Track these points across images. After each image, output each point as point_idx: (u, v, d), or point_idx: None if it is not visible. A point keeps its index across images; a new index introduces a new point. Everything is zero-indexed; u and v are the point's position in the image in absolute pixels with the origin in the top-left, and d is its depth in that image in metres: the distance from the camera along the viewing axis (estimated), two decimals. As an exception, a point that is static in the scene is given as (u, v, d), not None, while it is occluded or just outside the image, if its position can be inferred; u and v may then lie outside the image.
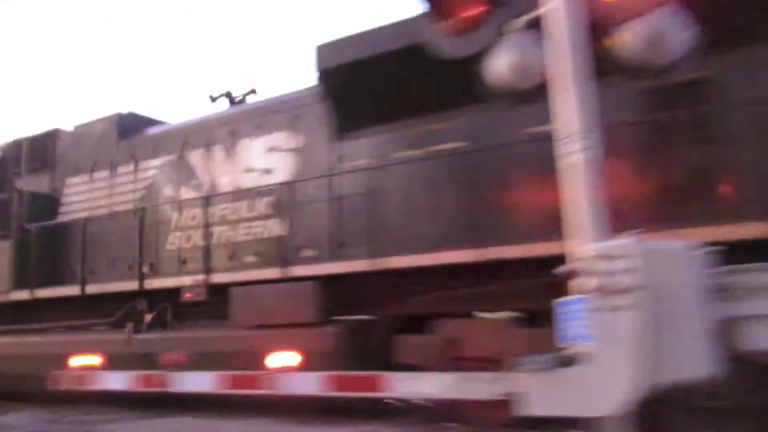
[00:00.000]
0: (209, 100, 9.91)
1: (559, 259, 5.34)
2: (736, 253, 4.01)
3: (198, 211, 8.47)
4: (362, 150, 7.35)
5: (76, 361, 8.60)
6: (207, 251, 8.06)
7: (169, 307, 8.50)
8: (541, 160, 5.73)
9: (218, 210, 8.45)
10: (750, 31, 5.33)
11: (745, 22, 5.27)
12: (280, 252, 7.64)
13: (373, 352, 6.87)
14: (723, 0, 4.81)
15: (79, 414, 8.25)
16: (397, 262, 6.52)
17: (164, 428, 6.97)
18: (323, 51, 7.30)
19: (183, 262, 8.63)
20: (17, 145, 10.77)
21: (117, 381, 7.18)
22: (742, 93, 5.41)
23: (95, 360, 8.63)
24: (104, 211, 9.59)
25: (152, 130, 9.80)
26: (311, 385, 5.67)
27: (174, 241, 8.82)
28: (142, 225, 8.71)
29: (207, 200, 8.26)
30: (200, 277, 7.96)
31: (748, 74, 5.44)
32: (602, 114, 5.40)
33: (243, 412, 7.59)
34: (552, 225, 5.63)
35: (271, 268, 7.39)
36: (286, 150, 8.02)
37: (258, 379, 6.16)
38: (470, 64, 4.79)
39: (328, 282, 7.09)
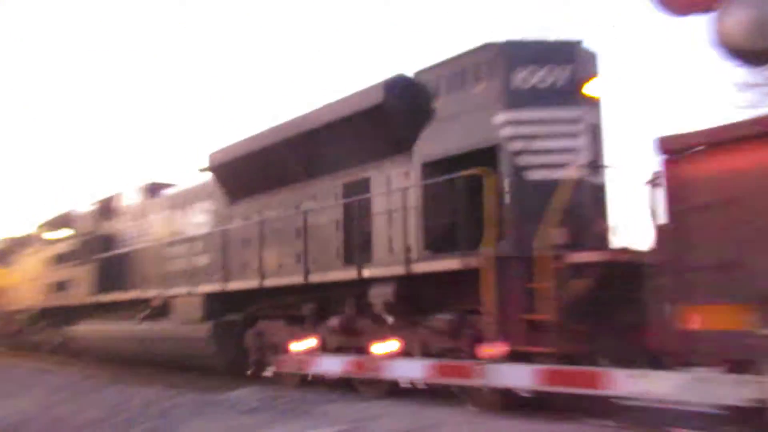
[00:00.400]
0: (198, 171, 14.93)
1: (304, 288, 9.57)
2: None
3: (170, 250, 13.52)
4: (238, 213, 11.83)
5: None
6: (164, 275, 13.09)
7: (157, 308, 13.60)
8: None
9: (183, 248, 13.38)
10: (384, 149, 8.94)
11: (382, 146, 8.88)
12: (204, 277, 12.34)
13: (235, 339, 11.28)
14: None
15: (300, 393, 8.66)
16: (233, 286, 10.97)
17: (379, 410, 7.00)
18: (210, 156, 11.95)
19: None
20: (99, 205, 16.82)
21: (332, 365, 8.21)
22: (382, 187, 9.00)
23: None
24: (137, 246, 15.06)
25: (160, 194, 15.07)
26: (525, 379, 5.87)
27: (165, 267, 13.94)
28: (140, 259, 14.00)
29: (165, 244, 13.30)
30: (159, 291, 13.02)
31: (385, 175, 9.02)
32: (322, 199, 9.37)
33: (450, 401, 7.48)
34: (284, 266, 9.83)
35: (185, 287, 12.18)
36: (208, 211, 12.76)
37: (469, 369, 6.40)
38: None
39: (216, 296, 11.66)
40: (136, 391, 10.18)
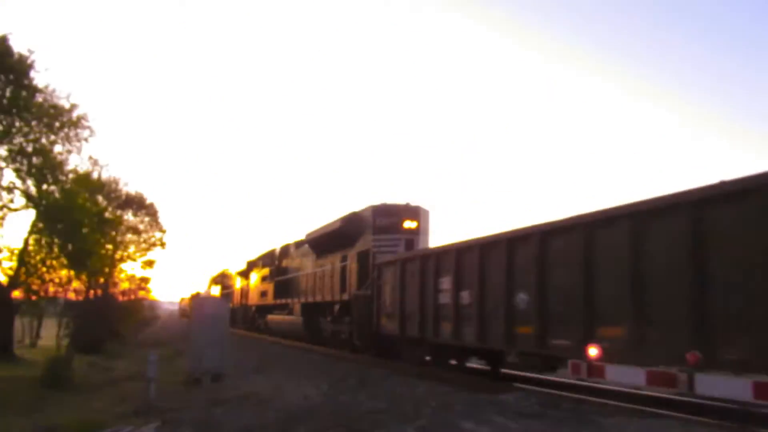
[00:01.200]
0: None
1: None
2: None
3: (299, 278, 26.60)
4: (319, 263, 24.32)
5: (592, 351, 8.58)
6: (294, 292, 26.21)
7: (292, 308, 26.73)
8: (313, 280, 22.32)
9: (301, 278, 26.30)
10: (345, 245, 20.62)
11: (344, 244, 20.61)
12: (304, 294, 25.09)
13: (313, 326, 23.77)
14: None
15: (574, 402, 8.56)
16: (303, 300, 23.57)
17: (677, 429, 6.52)
18: (306, 234, 24.72)
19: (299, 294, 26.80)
20: (280, 248, 30.86)
21: (632, 375, 7.74)
22: (348, 260, 20.69)
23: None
24: (290, 275, 28.47)
25: (302, 246, 28.21)
26: None
27: (296, 288, 26.98)
28: (290, 282, 27.38)
29: (298, 276, 26.43)
30: (293, 299, 26.18)
31: (350, 255, 20.66)
32: (337, 262, 21.84)
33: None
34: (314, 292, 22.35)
35: (297, 299, 25.17)
36: (311, 260, 25.48)
37: None
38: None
39: (305, 304, 24.39)
40: (413, 383, 11.40)
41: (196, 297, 46.34)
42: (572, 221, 9.46)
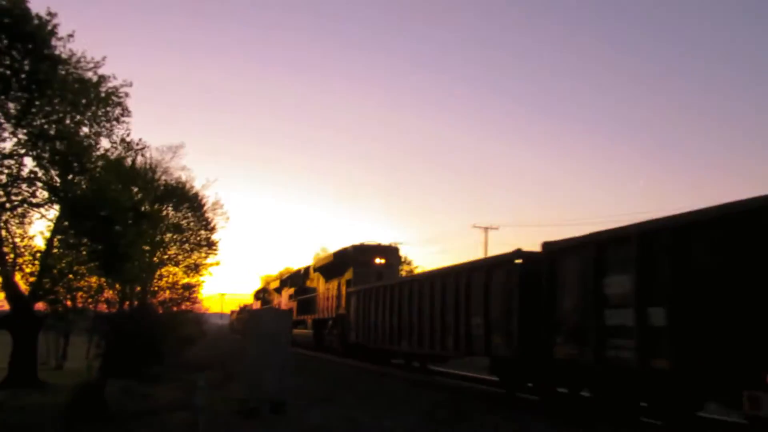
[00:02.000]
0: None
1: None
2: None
3: (315, 298, 32.30)
4: (327, 286, 28.63)
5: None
6: (312, 309, 32.08)
7: (308, 323, 31.12)
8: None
9: (316, 298, 31.97)
10: (338, 273, 26.81)
11: (337, 272, 27.16)
12: (315, 311, 30.63)
13: (320, 338, 29.53)
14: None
15: None
16: (314, 316, 30.86)
17: None
18: (317, 262, 32.44)
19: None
20: (303, 269, 34.66)
21: None
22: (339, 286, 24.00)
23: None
24: (309, 295, 31.95)
25: (315, 271, 30.87)
26: None
27: (314, 305, 31.62)
28: (309, 300, 32.62)
29: (315, 295, 32.59)
30: (309, 316, 30.16)
31: (342, 281, 25.04)
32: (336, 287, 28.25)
33: None
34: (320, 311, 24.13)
35: (311, 316, 32.60)
36: (321, 283, 30.86)
37: None
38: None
39: (314, 319, 31.34)
40: (523, 420, 9.89)
41: (250, 310, 44.27)
42: (413, 277, 19.92)
